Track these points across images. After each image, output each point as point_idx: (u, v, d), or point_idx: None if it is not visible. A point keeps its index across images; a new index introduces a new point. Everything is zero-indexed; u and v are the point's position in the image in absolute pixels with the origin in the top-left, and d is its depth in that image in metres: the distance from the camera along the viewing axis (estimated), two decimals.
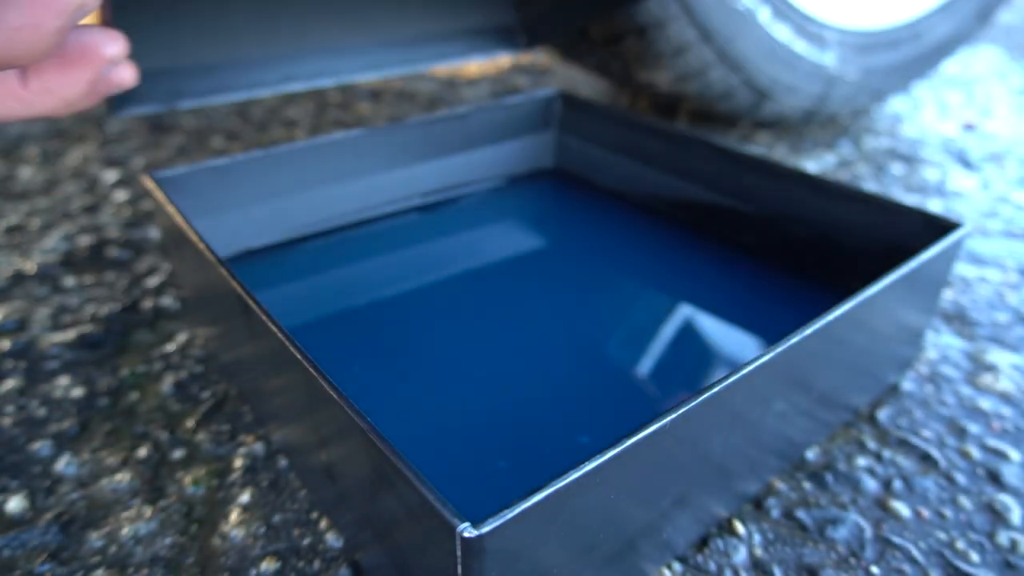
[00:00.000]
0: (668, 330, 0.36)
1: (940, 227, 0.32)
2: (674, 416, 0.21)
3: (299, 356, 0.23)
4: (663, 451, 0.22)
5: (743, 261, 0.41)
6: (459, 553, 0.17)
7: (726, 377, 0.22)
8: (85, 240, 0.48)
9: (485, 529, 0.17)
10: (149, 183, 0.34)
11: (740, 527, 0.28)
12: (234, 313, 0.28)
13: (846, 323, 0.26)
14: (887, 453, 0.32)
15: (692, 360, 0.34)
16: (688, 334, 0.36)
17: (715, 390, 0.22)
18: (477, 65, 0.89)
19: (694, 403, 0.21)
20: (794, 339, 0.24)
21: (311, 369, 0.22)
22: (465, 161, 0.48)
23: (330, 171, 0.42)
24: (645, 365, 0.33)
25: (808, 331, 0.25)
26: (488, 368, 0.33)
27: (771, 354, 0.23)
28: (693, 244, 0.43)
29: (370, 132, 0.43)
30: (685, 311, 0.37)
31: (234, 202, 0.39)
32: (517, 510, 0.17)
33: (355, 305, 0.37)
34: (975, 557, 0.27)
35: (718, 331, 0.36)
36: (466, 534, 0.17)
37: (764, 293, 0.38)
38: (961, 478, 0.31)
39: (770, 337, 0.35)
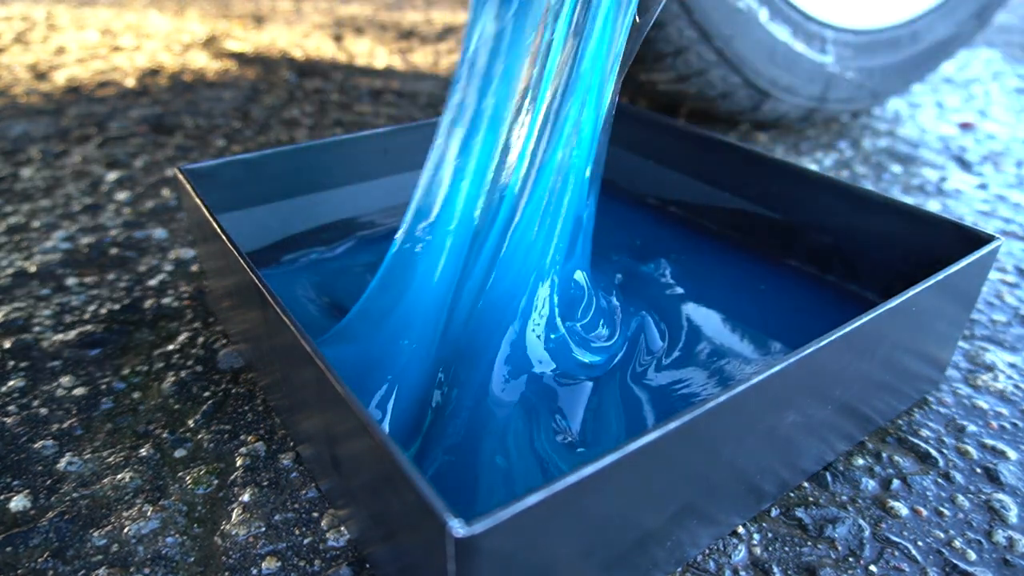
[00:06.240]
0: (684, 335, 0.35)
1: (974, 240, 0.32)
2: (678, 423, 0.20)
3: (309, 351, 0.23)
4: (669, 457, 0.21)
5: (765, 266, 0.40)
6: (452, 553, 0.17)
7: (734, 385, 0.22)
8: (86, 240, 0.48)
9: (478, 529, 0.16)
10: (179, 176, 0.36)
11: (739, 526, 0.28)
12: (254, 308, 0.29)
13: (867, 334, 0.26)
14: (886, 452, 0.32)
15: (707, 367, 0.33)
16: (705, 340, 0.35)
17: (722, 398, 0.21)
18: None
19: (699, 411, 0.21)
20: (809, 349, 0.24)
21: (320, 364, 0.22)
22: None
23: (361, 167, 0.43)
24: (661, 368, 0.33)
25: (826, 340, 0.24)
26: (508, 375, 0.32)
27: (787, 362, 0.23)
28: (713, 248, 0.43)
29: (401, 129, 0.43)
30: (703, 316, 0.36)
31: (263, 197, 0.40)
32: (511, 511, 0.17)
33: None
34: (973, 555, 0.27)
35: (737, 339, 0.35)
36: (457, 534, 0.16)
37: (786, 301, 0.38)
38: (959, 477, 0.31)
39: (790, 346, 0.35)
